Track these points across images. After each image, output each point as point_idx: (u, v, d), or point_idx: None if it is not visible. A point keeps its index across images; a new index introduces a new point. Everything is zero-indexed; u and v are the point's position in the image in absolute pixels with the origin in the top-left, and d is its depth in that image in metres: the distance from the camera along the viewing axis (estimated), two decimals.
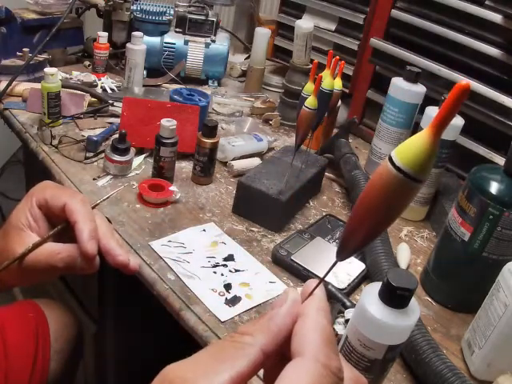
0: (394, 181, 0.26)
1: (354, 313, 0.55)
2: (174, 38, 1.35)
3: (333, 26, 1.32)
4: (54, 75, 1.01)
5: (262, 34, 1.36)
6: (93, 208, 0.55)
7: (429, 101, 0.98)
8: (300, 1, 1.37)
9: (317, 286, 0.32)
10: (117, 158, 0.93)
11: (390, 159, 0.26)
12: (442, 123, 0.25)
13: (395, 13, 1.14)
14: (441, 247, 0.79)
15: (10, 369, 0.80)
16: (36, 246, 0.52)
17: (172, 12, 1.34)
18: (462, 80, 0.25)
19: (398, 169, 0.26)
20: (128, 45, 1.24)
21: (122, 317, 1.09)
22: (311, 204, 0.98)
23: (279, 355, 0.32)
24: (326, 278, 0.80)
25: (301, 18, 1.36)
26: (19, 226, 0.54)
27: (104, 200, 0.60)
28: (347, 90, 1.26)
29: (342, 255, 0.32)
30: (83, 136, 1.03)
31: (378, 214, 0.28)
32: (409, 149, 0.26)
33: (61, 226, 0.54)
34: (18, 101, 1.14)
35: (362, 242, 0.31)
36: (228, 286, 0.74)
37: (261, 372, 0.32)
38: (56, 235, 0.54)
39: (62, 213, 0.53)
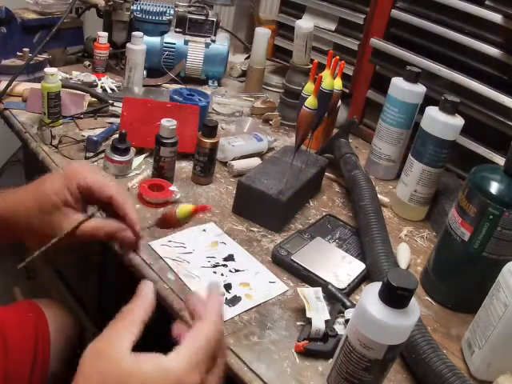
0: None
1: (354, 313, 0.55)
2: (174, 38, 1.35)
3: (333, 26, 1.32)
4: (54, 75, 1.01)
5: (262, 34, 1.36)
6: None
7: (429, 101, 0.98)
8: (300, 1, 1.37)
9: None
10: (117, 157, 0.93)
11: None
12: None
13: (395, 13, 1.14)
14: (441, 247, 0.79)
15: (10, 369, 0.80)
16: (81, 222, 0.65)
17: (172, 12, 1.34)
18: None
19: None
20: (128, 45, 1.24)
21: None
22: (311, 204, 0.98)
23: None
24: (327, 279, 0.79)
25: (301, 18, 1.36)
26: (57, 203, 0.64)
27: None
28: (347, 90, 1.26)
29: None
30: (83, 136, 1.03)
31: None
32: None
33: (106, 215, 0.69)
34: (18, 101, 1.14)
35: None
36: (228, 286, 0.74)
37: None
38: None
39: (105, 199, 0.66)
